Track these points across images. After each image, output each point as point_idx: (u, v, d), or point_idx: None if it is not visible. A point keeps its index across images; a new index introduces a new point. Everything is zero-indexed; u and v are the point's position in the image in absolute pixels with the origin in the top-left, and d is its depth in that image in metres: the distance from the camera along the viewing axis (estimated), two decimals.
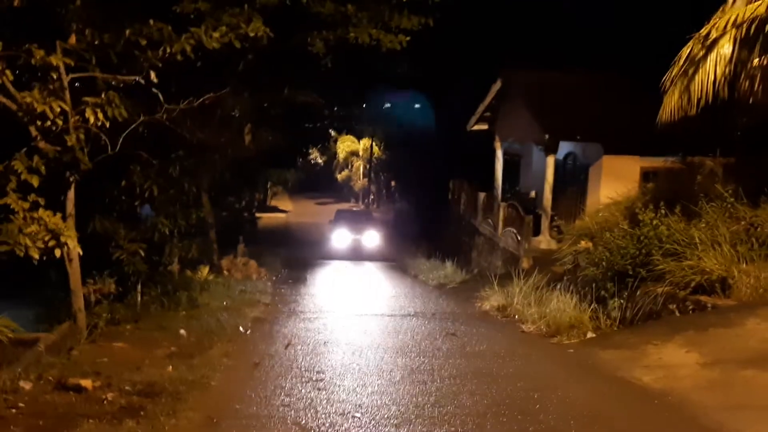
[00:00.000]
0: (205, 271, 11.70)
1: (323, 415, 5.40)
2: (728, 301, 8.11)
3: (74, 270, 8.63)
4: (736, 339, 7.08)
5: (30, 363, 6.38)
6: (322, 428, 5.12)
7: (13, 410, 5.35)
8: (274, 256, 16.97)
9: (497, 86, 16.70)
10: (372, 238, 23.58)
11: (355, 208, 31.00)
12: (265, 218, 26.76)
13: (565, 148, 16.43)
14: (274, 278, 14.45)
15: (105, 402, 5.59)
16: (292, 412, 5.50)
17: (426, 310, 11.31)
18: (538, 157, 16.89)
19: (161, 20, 9.79)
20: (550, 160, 15.20)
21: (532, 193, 17.66)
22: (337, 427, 5.14)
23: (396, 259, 21.44)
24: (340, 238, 23.42)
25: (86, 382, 5.97)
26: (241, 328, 8.71)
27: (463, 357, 7.49)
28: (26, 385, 5.86)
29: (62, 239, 7.52)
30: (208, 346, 7.63)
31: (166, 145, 10.57)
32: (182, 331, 8.28)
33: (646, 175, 14.52)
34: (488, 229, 17.85)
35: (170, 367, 6.67)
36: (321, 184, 41.73)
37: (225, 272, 13.25)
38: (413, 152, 24.89)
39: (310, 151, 34.20)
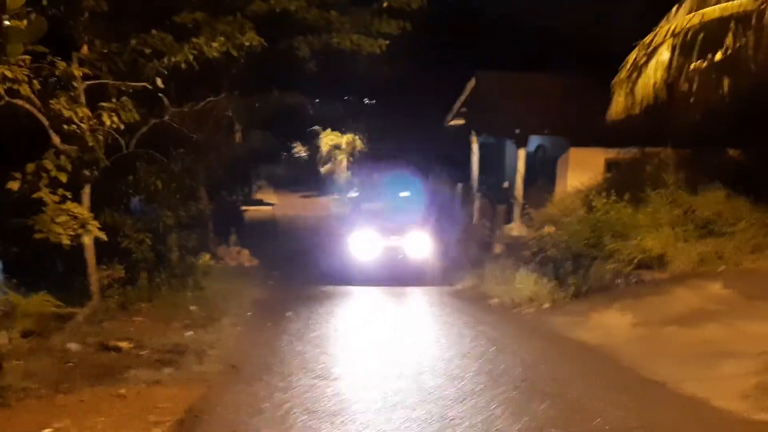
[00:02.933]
0: (206, 258, 13.09)
1: (322, 363, 6.90)
2: (664, 275, 9.67)
3: (90, 256, 10.01)
4: (664, 304, 8.64)
5: (72, 330, 7.78)
6: (323, 369, 6.62)
7: (69, 364, 6.76)
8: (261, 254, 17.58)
9: (472, 84, 18.17)
10: (418, 243, 13.82)
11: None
12: (251, 211, 27.81)
13: (535, 141, 17.97)
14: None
15: (142, 357, 7.03)
16: (300, 358, 7.00)
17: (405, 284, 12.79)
18: (511, 150, 18.42)
19: (163, 30, 11.24)
20: (521, 153, 16.73)
21: (506, 184, 19.18)
22: (329, 369, 6.64)
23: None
24: (365, 244, 13.90)
25: (123, 344, 7.40)
26: (244, 305, 10.16)
27: (437, 324, 9.01)
28: (73, 347, 7.27)
29: (89, 227, 8.91)
30: (218, 318, 9.05)
31: (168, 143, 11.90)
32: (193, 308, 9.68)
33: (609, 166, 16.07)
34: (465, 218, 19.36)
35: (190, 332, 8.12)
36: (304, 177, 42.98)
37: (224, 259, 14.66)
38: (395, 145, 26.23)
39: (294, 145, 35.50)
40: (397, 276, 13.03)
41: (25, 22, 2.55)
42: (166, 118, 10.82)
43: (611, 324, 8.34)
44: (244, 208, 23.46)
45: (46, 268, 11.96)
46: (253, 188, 31.78)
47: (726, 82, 10.85)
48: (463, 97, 18.94)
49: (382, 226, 13.82)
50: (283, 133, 21.48)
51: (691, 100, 11.51)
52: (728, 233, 10.13)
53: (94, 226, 8.94)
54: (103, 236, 9.14)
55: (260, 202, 33.30)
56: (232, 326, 8.60)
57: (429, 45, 18.69)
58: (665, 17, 11.70)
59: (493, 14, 19.13)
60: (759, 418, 5.39)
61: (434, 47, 19.09)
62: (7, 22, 2.46)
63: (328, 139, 39.36)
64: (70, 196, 9.01)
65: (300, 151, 42.55)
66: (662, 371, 6.56)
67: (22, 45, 2.66)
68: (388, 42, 14.19)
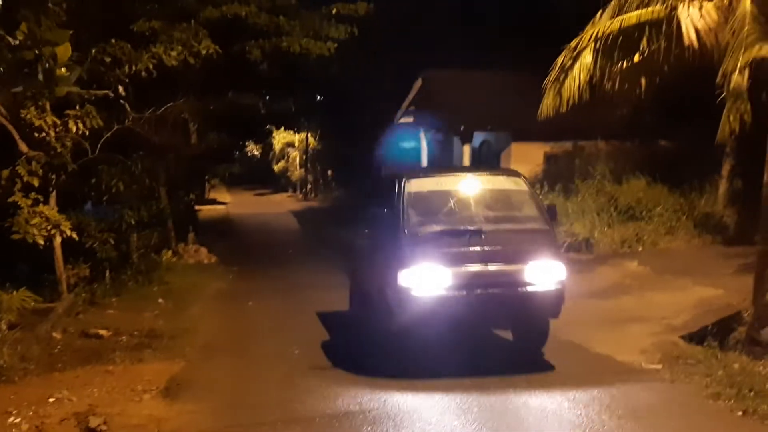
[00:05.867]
0: (168, 255, 14.03)
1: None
2: (589, 256, 11.07)
3: (59, 256, 10.92)
4: (588, 281, 9.99)
5: (54, 321, 8.70)
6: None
7: (57, 349, 7.72)
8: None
9: (419, 84, 19.40)
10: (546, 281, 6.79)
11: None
12: (205, 210, 28.53)
13: (480, 136, 19.30)
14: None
15: (122, 342, 8.02)
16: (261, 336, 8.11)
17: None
18: (458, 146, 19.74)
19: (122, 39, 12.11)
20: (466, 149, 18.04)
21: None
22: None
23: None
24: (433, 293, 6.59)
25: (103, 332, 8.38)
26: (209, 296, 11.18)
27: None
28: (57, 335, 8.22)
29: (62, 228, 9.81)
30: (185, 308, 10.08)
31: (129, 147, 12.78)
32: (160, 300, 10.65)
33: (548, 159, 17.52)
34: None
35: (161, 321, 9.13)
36: (258, 175, 43.88)
37: (182, 257, 15.58)
38: (348, 143, 27.30)
39: (247, 144, 36.29)
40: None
41: (72, 71, 3.51)
42: (128, 123, 11.74)
43: None
44: (197, 207, 24.27)
45: (10, 269, 12.76)
46: (207, 187, 32.56)
47: (643, 81, 12.25)
48: (411, 96, 20.16)
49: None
50: (237, 133, 22.38)
51: (614, 99, 12.95)
52: (647, 218, 11.59)
53: (66, 226, 9.82)
54: (75, 236, 10.03)
55: (214, 201, 34.12)
56: (200, 314, 9.64)
57: (378, 45, 19.85)
58: (591, 22, 13.07)
59: (440, 14, 20.46)
60: (649, 367, 6.72)
61: (383, 47, 20.26)
62: (62, 70, 3.43)
63: (281, 137, 40.34)
64: (42, 200, 9.91)
65: (253, 149, 43.39)
66: (579, 335, 7.85)
67: (66, 87, 3.62)
68: (336, 45, 15.25)
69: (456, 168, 8.24)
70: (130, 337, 8.20)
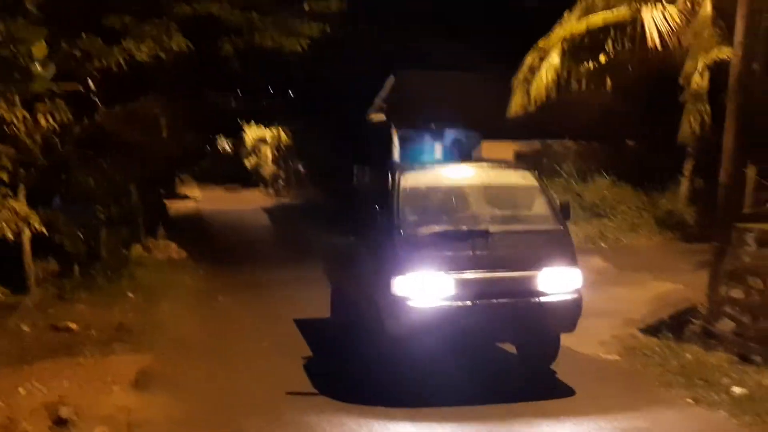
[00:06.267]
0: (138, 250, 14.04)
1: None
2: None
3: (27, 250, 10.92)
4: None
5: (23, 315, 8.73)
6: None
7: (25, 343, 7.77)
8: None
9: (391, 81, 19.62)
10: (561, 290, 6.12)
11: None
12: (175, 206, 28.42)
13: (451, 135, 19.55)
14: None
15: (92, 335, 8.09)
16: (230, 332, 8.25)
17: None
18: (430, 143, 19.97)
19: (92, 33, 12.11)
20: (438, 146, 18.25)
21: None
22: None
23: None
24: (431, 304, 5.92)
25: (72, 325, 8.43)
26: (179, 292, 11.26)
27: None
28: (26, 328, 8.26)
29: (31, 222, 9.82)
30: (155, 303, 10.14)
31: (99, 142, 12.78)
32: (130, 295, 10.68)
33: (518, 157, 17.82)
34: None
35: (131, 315, 9.20)
36: (229, 170, 43.68)
37: (151, 253, 15.58)
38: (320, 140, 27.40)
39: (218, 139, 36.16)
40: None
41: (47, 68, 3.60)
42: (98, 118, 11.76)
43: None
44: (167, 202, 24.21)
45: None
46: (176, 182, 32.38)
47: (609, 82, 12.64)
48: (383, 94, 20.38)
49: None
50: (208, 128, 22.39)
51: (581, 99, 13.32)
52: (611, 215, 11.94)
53: (35, 221, 9.84)
54: (44, 230, 10.04)
55: (184, 197, 33.97)
56: (170, 309, 9.72)
57: (351, 42, 20.00)
58: (558, 22, 13.40)
59: (414, 13, 20.70)
60: (606, 358, 7.01)
61: (356, 44, 20.42)
62: (37, 67, 3.54)
63: (252, 132, 40.24)
64: (11, 194, 9.91)
65: (224, 144, 43.22)
66: None
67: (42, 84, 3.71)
68: (309, 41, 15.35)
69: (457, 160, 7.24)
70: (100, 331, 8.26)
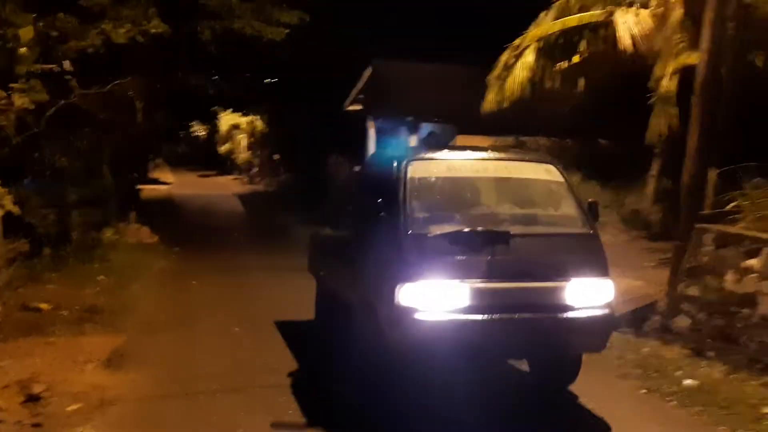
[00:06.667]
0: (109, 233, 14.06)
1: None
2: None
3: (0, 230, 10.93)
4: None
5: None
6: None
7: None
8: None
9: (368, 73, 19.76)
10: (591, 304, 5.39)
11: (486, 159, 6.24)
12: (148, 190, 28.27)
13: (427, 127, 19.79)
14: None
15: (63, 316, 8.19)
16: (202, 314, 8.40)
17: None
18: (405, 135, 20.18)
19: (69, 14, 12.08)
20: (413, 139, 18.50)
21: None
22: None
23: None
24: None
25: (43, 305, 8.52)
26: (150, 275, 11.35)
27: None
28: None
29: (3, 202, 9.83)
30: (127, 285, 10.23)
31: (74, 123, 12.78)
32: (101, 277, 10.75)
33: None
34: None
35: (102, 297, 9.29)
36: (202, 156, 43.53)
37: (123, 236, 15.60)
38: (296, 127, 27.44)
39: (192, 124, 36.01)
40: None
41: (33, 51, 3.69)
42: (73, 99, 11.75)
43: None
44: (140, 186, 24.12)
45: None
46: (149, 166, 32.19)
47: (582, 82, 12.93)
48: (360, 85, 20.52)
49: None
50: (183, 113, 22.36)
51: (555, 97, 13.60)
52: None
53: (8, 200, 9.85)
54: (17, 210, 10.05)
55: (157, 181, 33.80)
56: (142, 292, 9.84)
57: (329, 31, 20.12)
58: (534, 22, 13.65)
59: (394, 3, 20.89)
60: None
61: (334, 34, 20.54)
62: (23, 49, 3.65)
63: (227, 119, 40.13)
64: None
65: (198, 130, 43.04)
66: None
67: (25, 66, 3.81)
68: (288, 30, 15.47)
69: (473, 149, 6.24)
70: (71, 312, 8.36)
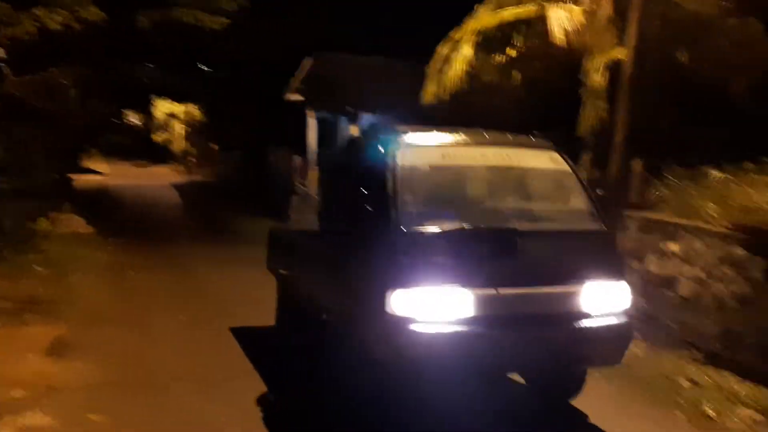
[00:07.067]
0: (44, 223, 13.81)
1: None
2: None
3: None
4: None
5: None
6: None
7: None
8: None
9: (309, 63, 19.86)
10: (608, 311, 4.92)
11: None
12: (82, 180, 27.67)
13: (367, 119, 20.05)
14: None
15: (1, 306, 8.13)
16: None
17: None
18: (346, 126, 20.40)
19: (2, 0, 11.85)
20: (354, 130, 18.75)
21: None
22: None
23: None
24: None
25: None
26: (89, 265, 11.27)
27: None
28: None
29: None
30: (65, 276, 10.15)
31: (7, 112, 12.52)
32: (39, 268, 10.61)
33: None
34: (303, 189, 21.14)
35: (41, 288, 9.22)
36: (138, 146, 42.70)
37: (57, 226, 15.34)
38: (235, 117, 27.29)
39: (126, 113, 35.30)
40: None
41: None
42: (7, 87, 11.55)
43: None
44: (74, 176, 23.65)
45: None
46: (83, 155, 31.44)
47: (518, 75, 13.36)
48: (301, 75, 20.60)
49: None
50: (119, 102, 22.00)
51: (492, 91, 14.01)
52: None
53: None
54: None
55: (91, 171, 33.07)
56: (80, 282, 9.79)
57: (270, 20, 20.14)
58: (470, 14, 14.00)
59: None
60: None
61: (275, 23, 20.58)
62: None
63: (164, 107, 39.48)
64: None
65: (133, 119, 42.16)
66: None
67: None
68: (228, 21, 15.47)
69: (467, 132, 5.21)
70: (9, 303, 8.27)
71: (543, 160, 5.32)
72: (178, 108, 38.96)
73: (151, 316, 8.22)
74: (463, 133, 5.43)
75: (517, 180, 5.33)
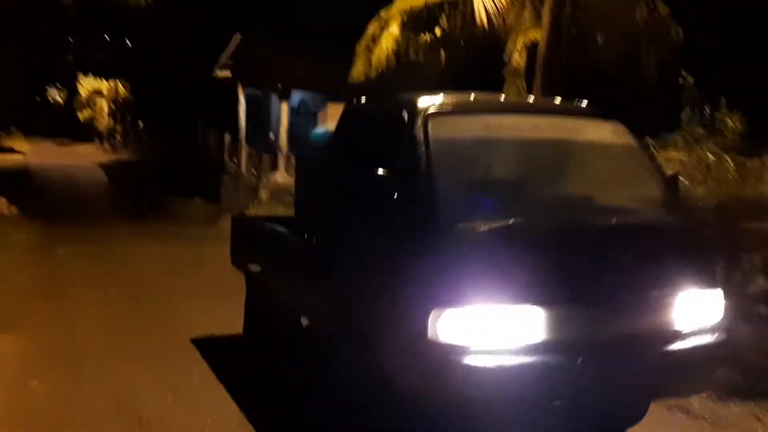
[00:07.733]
0: None
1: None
2: None
3: None
4: None
5: None
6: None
7: None
8: None
9: (237, 39, 19.92)
10: (701, 326, 3.79)
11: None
12: (0, 159, 27.02)
13: (298, 96, 20.27)
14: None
15: None
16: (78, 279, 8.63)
17: None
18: (276, 104, 20.56)
19: None
20: (284, 106, 18.95)
21: (272, 135, 21.36)
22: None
23: None
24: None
25: None
26: (14, 245, 11.26)
27: None
28: None
29: None
30: None
31: None
32: None
33: None
34: (234, 167, 21.23)
35: None
36: (60, 124, 41.53)
37: None
38: (161, 94, 26.97)
39: (48, 89, 34.33)
40: None
41: None
42: None
43: None
44: None
45: None
46: (2, 135, 30.52)
47: (444, 54, 13.85)
48: (228, 51, 20.63)
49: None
50: (40, 78, 21.51)
51: (420, 69, 14.47)
52: None
53: None
54: None
55: (9, 150, 32.10)
56: (5, 261, 9.83)
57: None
58: None
59: None
60: None
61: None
62: None
63: (88, 84, 38.45)
64: None
65: (55, 95, 40.94)
66: None
67: None
68: None
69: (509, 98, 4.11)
70: None
71: (606, 132, 4.17)
72: (103, 84, 38.08)
73: (80, 291, 8.36)
74: (505, 98, 4.39)
75: (579, 159, 4.16)
